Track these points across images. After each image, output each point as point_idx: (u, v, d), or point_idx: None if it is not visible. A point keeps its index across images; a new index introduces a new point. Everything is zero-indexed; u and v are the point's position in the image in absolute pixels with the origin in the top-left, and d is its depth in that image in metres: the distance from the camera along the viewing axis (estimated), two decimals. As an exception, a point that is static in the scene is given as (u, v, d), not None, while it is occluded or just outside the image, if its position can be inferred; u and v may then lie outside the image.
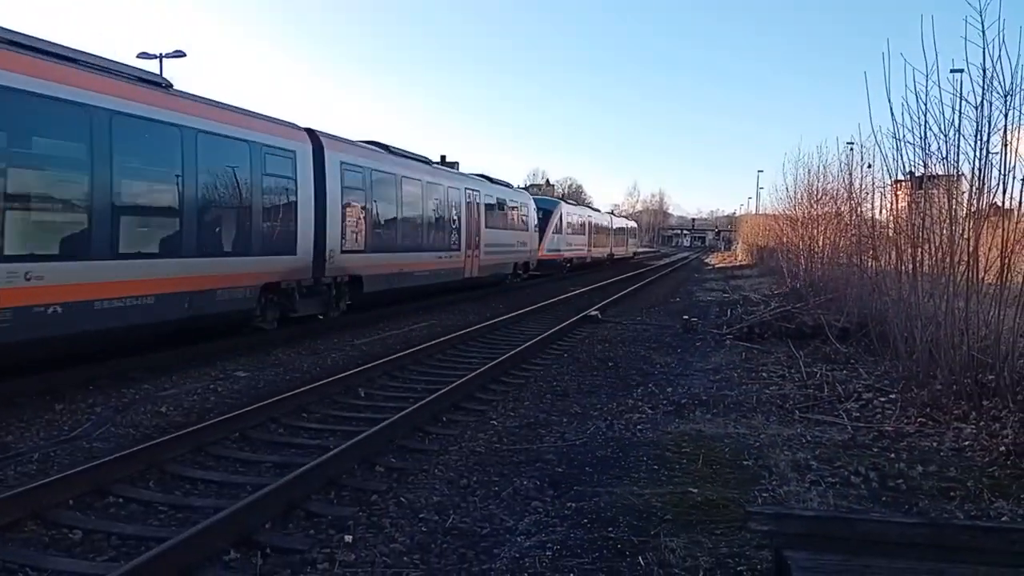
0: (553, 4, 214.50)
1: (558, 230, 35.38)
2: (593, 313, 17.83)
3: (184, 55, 28.21)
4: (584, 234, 41.94)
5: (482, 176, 26.43)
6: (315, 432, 7.84)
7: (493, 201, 25.64)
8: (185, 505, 5.68)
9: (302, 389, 9.02)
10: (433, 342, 12.94)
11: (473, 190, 23.49)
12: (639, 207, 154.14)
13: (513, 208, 28.06)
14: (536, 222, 30.10)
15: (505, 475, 6.37)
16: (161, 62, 27.54)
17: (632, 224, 69.92)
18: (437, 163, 25.48)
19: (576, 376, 10.89)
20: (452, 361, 11.95)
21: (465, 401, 9.06)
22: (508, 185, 28.89)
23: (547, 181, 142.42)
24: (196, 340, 11.80)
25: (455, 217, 21.61)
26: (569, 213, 38.62)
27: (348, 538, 4.99)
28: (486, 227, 24.28)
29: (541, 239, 32.02)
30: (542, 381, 10.46)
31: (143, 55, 27.63)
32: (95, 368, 9.75)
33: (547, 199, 41.36)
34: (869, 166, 14.93)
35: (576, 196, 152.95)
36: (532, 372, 11.13)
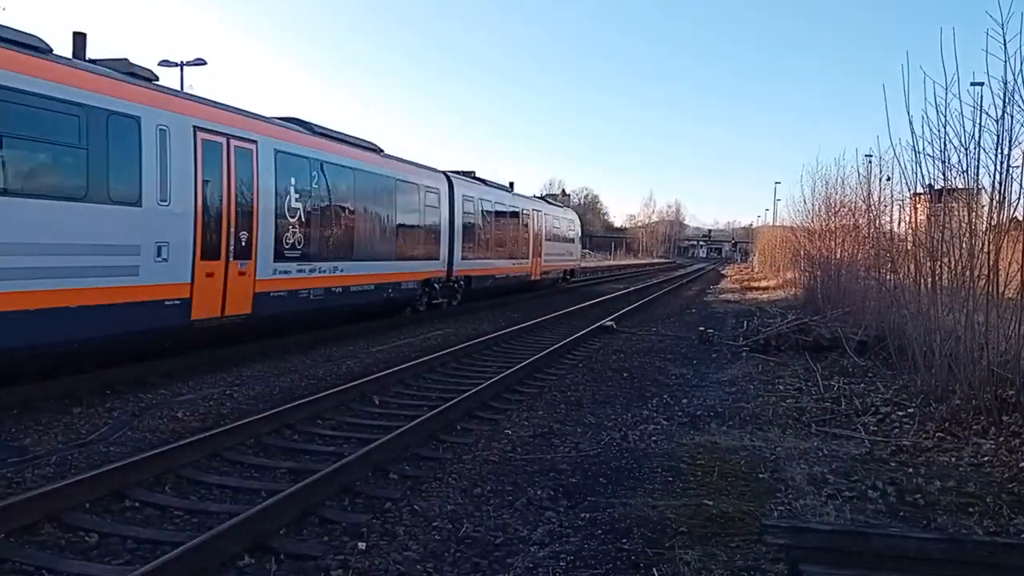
0: (573, 21, 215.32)
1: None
2: (608, 324, 17.79)
3: (205, 63, 28.47)
4: (270, 216, 12.46)
5: None
6: (330, 439, 7.86)
7: None
8: (200, 510, 5.70)
9: (317, 396, 9.04)
10: (448, 350, 12.95)
11: None
12: (655, 217, 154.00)
13: None
14: None
15: (519, 484, 6.36)
16: (182, 70, 27.83)
17: (563, 215, 34.52)
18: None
19: (590, 386, 10.87)
20: (466, 370, 11.96)
21: (479, 410, 9.05)
22: None
23: (563, 191, 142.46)
24: (213, 346, 11.87)
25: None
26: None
27: (362, 545, 5.00)
28: None
29: None
30: (556, 391, 10.44)
31: (164, 63, 27.94)
32: (113, 373, 9.82)
33: None
34: (888, 178, 14.86)
35: (592, 206, 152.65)
36: (546, 382, 11.11)
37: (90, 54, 10.87)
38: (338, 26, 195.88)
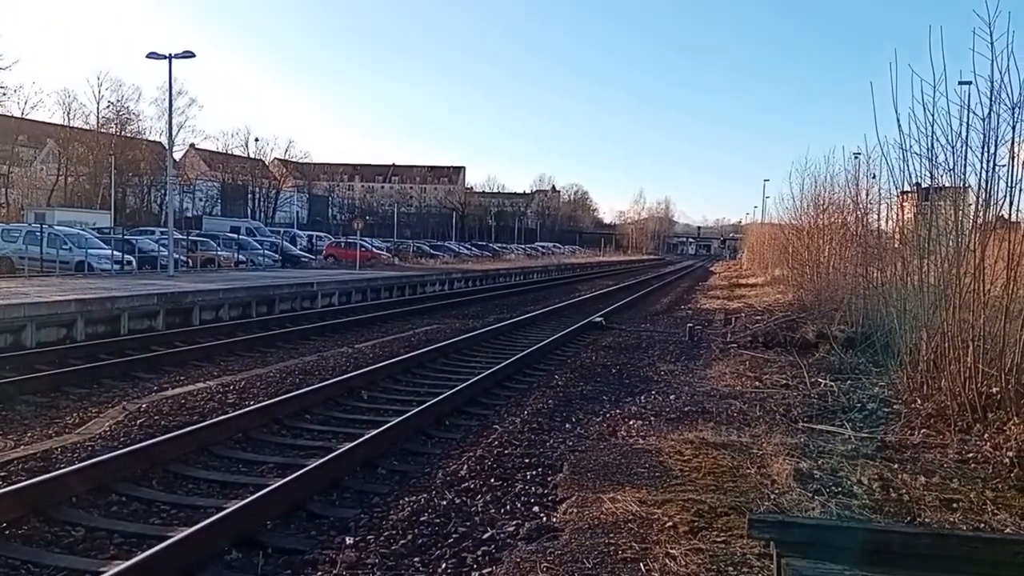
0: (563, 15, 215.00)
1: None
2: (597, 320, 17.84)
3: (193, 55, 28.23)
4: None
5: None
6: (318, 433, 7.84)
7: None
8: (187, 504, 5.69)
9: (305, 390, 9.03)
10: (436, 345, 12.94)
11: None
12: (645, 214, 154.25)
13: None
14: None
15: (507, 479, 6.37)
16: (171, 62, 27.64)
17: None
18: None
19: (579, 382, 10.88)
20: (456, 365, 11.95)
21: (468, 405, 9.05)
22: None
23: (553, 187, 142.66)
24: (202, 338, 11.82)
25: None
26: None
27: (349, 540, 4.99)
28: None
29: None
30: (545, 386, 10.45)
31: (152, 55, 27.75)
32: (100, 368, 9.78)
33: None
34: (875, 177, 14.92)
35: (582, 203, 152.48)
36: (535, 377, 11.12)
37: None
38: (332, 24, 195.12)
